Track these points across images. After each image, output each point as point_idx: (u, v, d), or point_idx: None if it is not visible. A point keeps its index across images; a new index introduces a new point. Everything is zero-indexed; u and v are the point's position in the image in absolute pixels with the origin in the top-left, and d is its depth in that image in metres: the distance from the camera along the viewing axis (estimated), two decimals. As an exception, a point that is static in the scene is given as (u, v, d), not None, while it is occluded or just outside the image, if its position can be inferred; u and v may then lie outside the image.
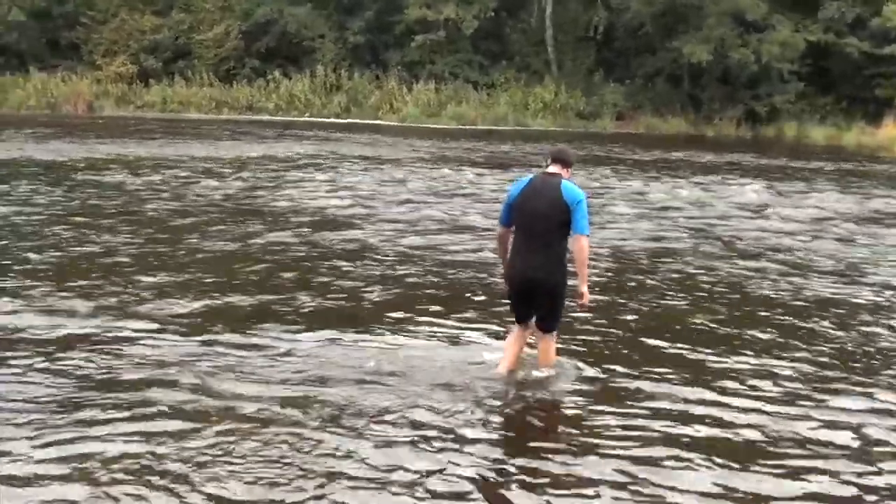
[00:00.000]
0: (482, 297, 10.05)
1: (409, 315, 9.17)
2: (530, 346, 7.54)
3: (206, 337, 8.20)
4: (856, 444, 6.24)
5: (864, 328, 9.25)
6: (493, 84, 45.15)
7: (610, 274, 11.56)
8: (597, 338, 8.60)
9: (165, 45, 48.01)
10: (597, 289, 9.50)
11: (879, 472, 5.80)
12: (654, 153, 30.83)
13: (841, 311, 9.96)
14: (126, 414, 6.32)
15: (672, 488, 5.47)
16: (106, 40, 47.94)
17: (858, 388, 7.35)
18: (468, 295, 10.24)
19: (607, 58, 46.24)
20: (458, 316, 9.20)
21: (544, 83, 44.42)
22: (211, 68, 47.07)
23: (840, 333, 8.99)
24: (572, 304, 7.42)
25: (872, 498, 5.49)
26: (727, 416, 6.62)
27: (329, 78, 45.76)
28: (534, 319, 7.21)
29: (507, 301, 7.50)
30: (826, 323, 9.42)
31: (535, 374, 7.25)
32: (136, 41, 47.63)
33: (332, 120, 43.60)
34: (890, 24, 40.73)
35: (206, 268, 11.17)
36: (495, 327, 8.74)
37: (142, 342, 7.98)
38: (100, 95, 45.93)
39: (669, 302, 10.18)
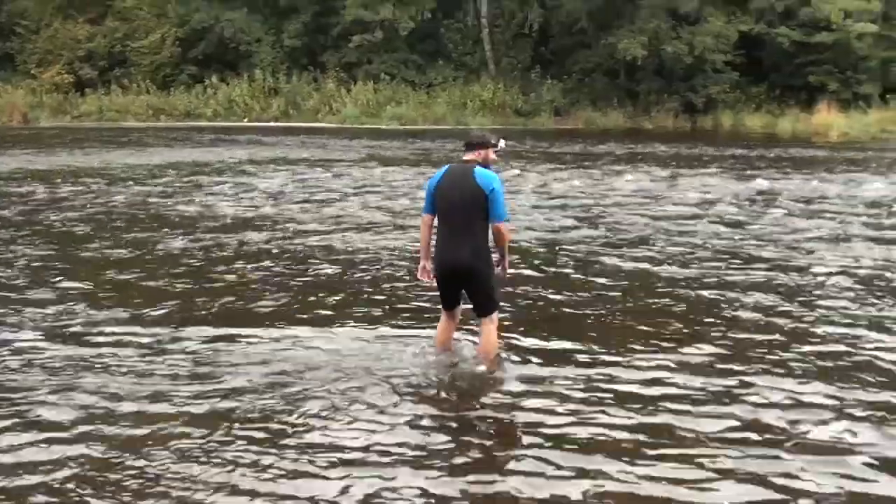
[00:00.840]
0: (385, 293, 9.99)
1: (318, 313, 9.08)
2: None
3: (102, 348, 7.88)
4: (759, 432, 6.07)
5: (757, 313, 9.09)
6: (431, 83, 45.17)
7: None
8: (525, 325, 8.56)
9: (101, 54, 47.70)
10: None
11: (780, 459, 5.65)
12: (576, 147, 30.98)
13: (733, 294, 9.90)
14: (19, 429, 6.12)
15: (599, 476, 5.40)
16: (40, 50, 47.58)
17: (760, 376, 7.16)
18: (371, 290, 10.16)
19: (544, 54, 46.39)
20: (367, 310, 9.12)
21: (482, 81, 44.53)
22: (148, 76, 46.81)
23: (734, 319, 8.88)
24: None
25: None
26: (639, 414, 6.41)
27: (267, 82, 45.64)
28: (459, 308, 7.36)
29: (435, 288, 7.47)
30: (720, 307, 9.33)
31: (477, 363, 7.28)
32: (71, 50, 47.26)
33: (271, 124, 43.54)
34: (819, 14, 41.30)
35: (103, 275, 10.97)
36: (399, 320, 8.71)
37: (36, 352, 7.75)
38: (35, 106, 45.53)
39: (566, 294, 10.05)
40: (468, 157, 7.19)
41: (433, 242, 7.32)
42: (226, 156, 27.20)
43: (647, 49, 41.75)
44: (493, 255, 7.21)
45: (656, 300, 9.73)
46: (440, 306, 7.52)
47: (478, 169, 7.05)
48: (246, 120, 44.70)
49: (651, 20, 42.23)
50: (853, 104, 41.16)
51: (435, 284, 7.40)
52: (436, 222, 7.25)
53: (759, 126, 40.82)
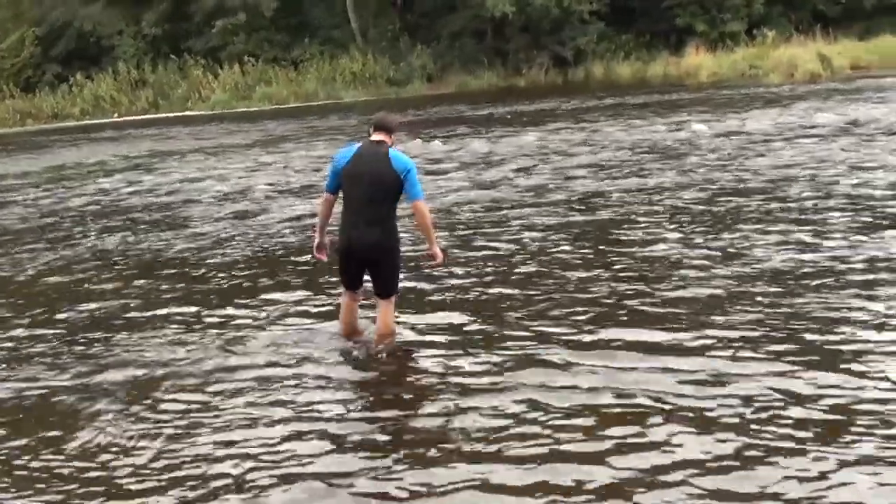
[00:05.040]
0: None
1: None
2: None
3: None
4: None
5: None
6: (299, 60, 44.44)
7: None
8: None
9: (-42, 61, 46.20)
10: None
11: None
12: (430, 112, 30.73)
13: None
14: None
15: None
16: None
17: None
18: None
19: (411, 22, 45.82)
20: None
21: (350, 54, 43.93)
22: (10, 79, 45.50)
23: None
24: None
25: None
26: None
27: (132, 74, 44.58)
28: (361, 288, 7.23)
29: (336, 268, 7.37)
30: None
31: (376, 343, 7.14)
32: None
33: (141, 117, 42.40)
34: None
35: None
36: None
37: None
38: None
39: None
40: (378, 137, 7.04)
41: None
42: (77, 157, 26.36)
43: (514, 5, 41.44)
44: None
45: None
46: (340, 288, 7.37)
47: (392, 150, 6.94)
48: (116, 115, 43.58)
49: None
50: (721, 44, 41.31)
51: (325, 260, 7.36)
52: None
53: (629, 74, 40.86)
